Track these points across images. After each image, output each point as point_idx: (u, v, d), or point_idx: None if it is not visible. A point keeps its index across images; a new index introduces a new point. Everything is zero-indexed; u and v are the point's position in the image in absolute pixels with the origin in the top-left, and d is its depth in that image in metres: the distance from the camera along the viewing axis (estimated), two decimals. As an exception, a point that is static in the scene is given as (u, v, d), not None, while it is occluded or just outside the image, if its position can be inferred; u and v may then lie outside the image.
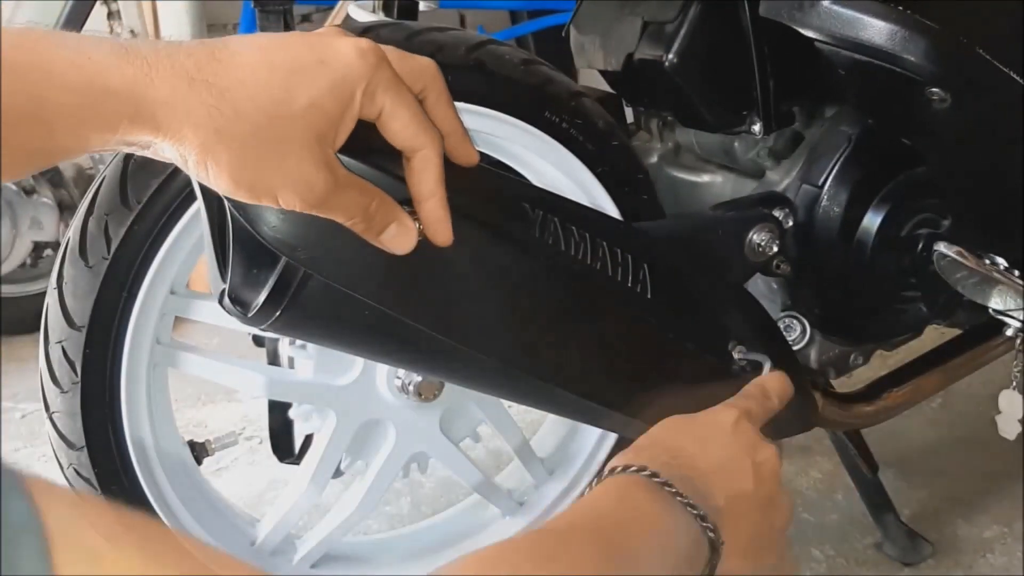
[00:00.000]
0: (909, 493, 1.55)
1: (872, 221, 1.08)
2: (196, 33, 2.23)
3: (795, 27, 1.01)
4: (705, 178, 1.22)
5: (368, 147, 0.62)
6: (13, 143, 0.53)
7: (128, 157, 0.97)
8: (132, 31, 2.31)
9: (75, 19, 1.48)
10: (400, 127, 0.61)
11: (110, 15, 2.36)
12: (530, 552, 0.54)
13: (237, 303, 0.72)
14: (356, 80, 0.58)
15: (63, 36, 0.54)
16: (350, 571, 1.20)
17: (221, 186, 0.57)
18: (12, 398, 2.00)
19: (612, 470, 0.63)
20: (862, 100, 1.07)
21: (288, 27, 1.10)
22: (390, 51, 0.62)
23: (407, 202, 0.66)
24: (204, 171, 0.57)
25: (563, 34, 1.25)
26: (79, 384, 0.99)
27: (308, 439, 1.23)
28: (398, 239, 0.64)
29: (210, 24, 2.39)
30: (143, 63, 0.54)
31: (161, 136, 0.55)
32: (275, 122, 0.56)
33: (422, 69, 0.63)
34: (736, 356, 0.93)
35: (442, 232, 0.65)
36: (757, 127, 1.09)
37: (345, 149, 0.61)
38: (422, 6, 1.51)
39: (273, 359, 1.19)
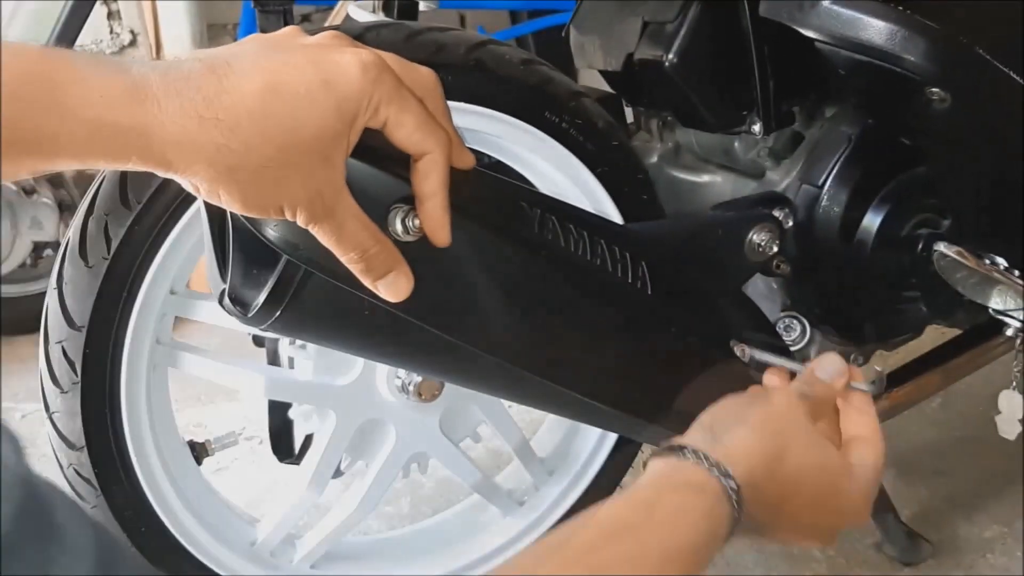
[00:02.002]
0: (909, 493, 1.55)
1: (872, 221, 1.08)
2: (196, 33, 2.23)
3: (795, 27, 1.01)
4: (705, 178, 1.22)
5: (373, 147, 0.62)
6: (19, 166, 0.54)
7: (128, 157, 0.97)
8: (132, 31, 2.32)
9: (75, 19, 1.48)
10: (405, 135, 0.62)
11: (110, 15, 2.36)
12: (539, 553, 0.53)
13: (237, 303, 0.72)
14: (359, 98, 0.58)
15: (78, 67, 0.53)
16: (350, 571, 1.20)
17: (232, 208, 0.59)
18: (12, 398, 2.00)
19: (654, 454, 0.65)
20: (862, 100, 1.07)
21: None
22: (391, 58, 0.62)
23: (408, 200, 0.66)
24: (216, 198, 0.58)
25: (563, 34, 1.25)
26: (79, 384, 0.99)
27: (308, 439, 1.23)
28: (393, 288, 0.66)
29: (210, 24, 2.39)
30: (153, 103, 0.54)
31: (171, 173, 0.56)
32: (283, 151, 0.57)
33: (422, 79, 0.64)
34: (737, 352, 0.92)
35: (441, 232, 0.66)
36: (757, 127, 1.09)
37: (352, 152, 0.61)
38: (422, 6, 1.51)
39: (273, 359, 1.19)
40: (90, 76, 0.53)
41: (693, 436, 0.67)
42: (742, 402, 0.72)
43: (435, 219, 0.66)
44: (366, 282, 0.65)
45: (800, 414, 0.71)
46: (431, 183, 0.64)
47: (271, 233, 0.65)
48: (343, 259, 0.63)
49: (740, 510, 0.62)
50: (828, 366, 0.77)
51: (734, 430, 0.67)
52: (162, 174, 0.57)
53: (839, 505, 0.71)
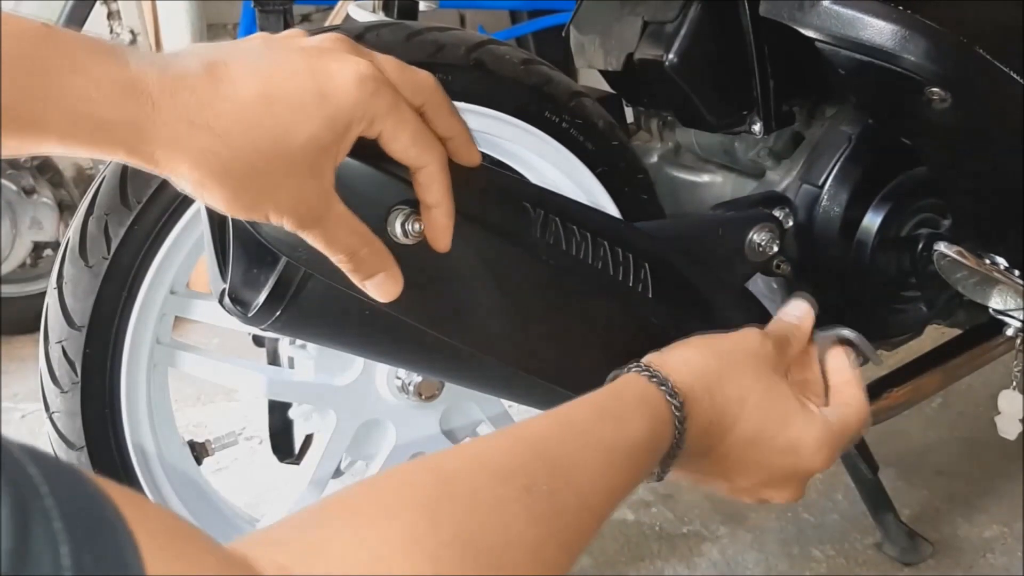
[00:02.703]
0: (909, 493, 1.55)
1: (872, 221, 1.08)
2: (196, 33, 2.23)
3: (795, 27, 1.01)
4: (705, 178, 1.22)
5: (374, 148, 0.62)
6: (3, 146, 0.53)
7: (128, 157, 0.97)
8: (132, 31, 2.31)
9: (75, 19, 1.48)
10: (400, 149, 0.62)
11: (110, 15, 2.36)
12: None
13: (237, 303, 0.72)
14: (352, 111, 0.58)
15: (78, 55, 0.53)
16: (350, 571, 1.19)
17: (218, 209, 0.59)
18: (12, 398, 2.00)
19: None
20: (862, 100, 1.07)
21: (288, 27, 1.10)
22: (390, 63, 0.62)
23: (410, 203, 0.66)
24: (201, 199, 0.58)
25: (563, 34, 1.25)
26: (79, 384, 0.99)
27: (308, 439, 1.23)
28: (381, 288, 0.66)
29: (210, 24, 2.39)
30: (147, 101, 0.54)
31: (158, 170, 0.56)
32: (272, 160, 0.57)
33: (421, 84, 0.64)
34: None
35: (442, 240, 0.67)
36: (757, 127, 1.09)
37: (353, 153, 0.61)
38: (422, 6, 1.51)
39: (273, 359, 1.19)
40: (89, 66, 0.53)
41: (649, 355, 0.70)
42: (708, 335, 0.73)
43: (437, 227, 0.66)
44: (354, 280, 0.65)
45: (757, 349, 0.71)
46: (433, 194, 0.65)
47: (270, 234, 0.65)
48: (332, 260, 0.63)
49: (682, 419, 0.63)
50: (794, 308, 0.81)
51: (681, 349, 0.70)
52: (145, 169, 0.57)
53: (788, 445, 0.69)
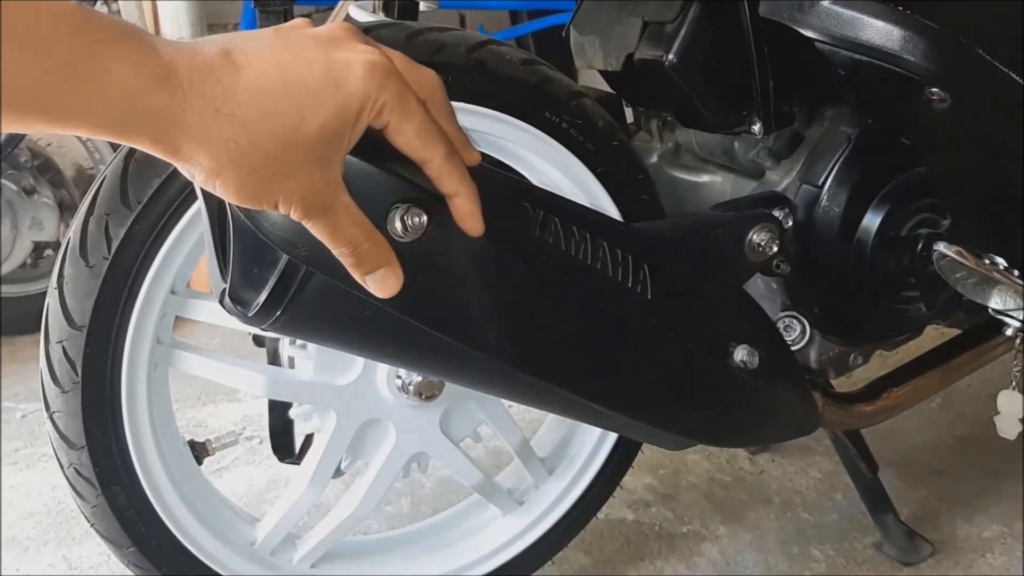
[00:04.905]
0: (909, 493, 1.55)
1: (872, 221, 1.09)
2: (196, 33, 2.23)
3: (795, 27, 1.01)
4: (705, 178, 1.22)
5: (376, 146, 0.63)
6: (30, 127, 0.53)
7: (129, 157, 0.97)
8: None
9: (75, 19, 1.48)
10: (405, 140, 0.62)
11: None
12: None
13: (238, 303, 0.72)
14: (364, 100, 0.59)
15: (116, 43, 0.52)
16: (350, 571, 1.20)
17: (227, 198, 0.59)
18: (12, 398, 2.00)
19: None
20: (862, 100, 1.07)
21: (288, 27, 1.10)
22: (397, 56, 0.62)
23: (410, 199, 0.66)
24: (211, 187, 0.58)
25: (563, 34, 1.25)
26: (79, 384, 1.00)
27: (308, 439, 1.23)
28: (382, 284, 0.66)
29: (210, 24, 2.40)
30: (179, 91, 0.54)
31: (176, 159, 0.56)
32: (286, 147, 0.57)
33: (425, 81, 0.64)
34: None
35: (472, 224, 0.69)
36: (757, 127, 1.09)
37: (356, 150, 0.61)
38: (422, 6, 1.51)
39: (273, 359, 1.19)
40: (124, 54, 0.52)
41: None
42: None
43: (463, 213, 0.68)
44: (356, 276, 0.66)
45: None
46: (448, 184, 0.66)
47: (271, 231, 0.65)
48: (335, 252, 0.64)
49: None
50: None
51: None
52: (163, 157, 0.56)
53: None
